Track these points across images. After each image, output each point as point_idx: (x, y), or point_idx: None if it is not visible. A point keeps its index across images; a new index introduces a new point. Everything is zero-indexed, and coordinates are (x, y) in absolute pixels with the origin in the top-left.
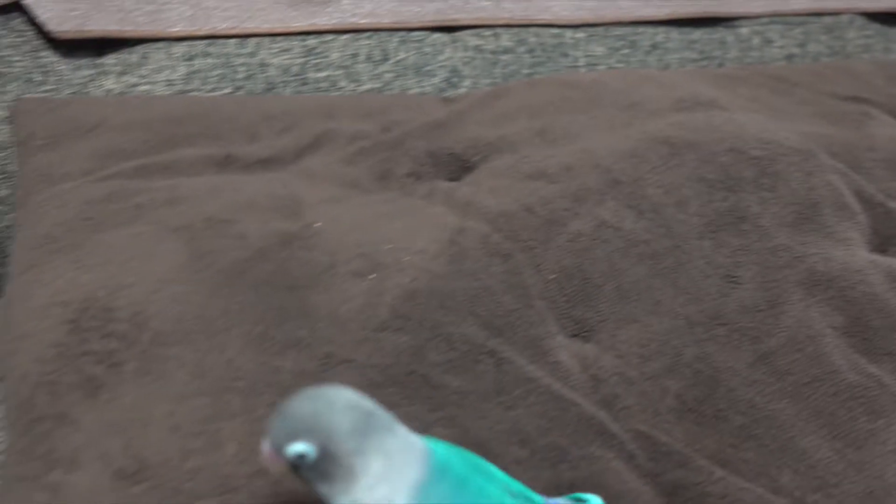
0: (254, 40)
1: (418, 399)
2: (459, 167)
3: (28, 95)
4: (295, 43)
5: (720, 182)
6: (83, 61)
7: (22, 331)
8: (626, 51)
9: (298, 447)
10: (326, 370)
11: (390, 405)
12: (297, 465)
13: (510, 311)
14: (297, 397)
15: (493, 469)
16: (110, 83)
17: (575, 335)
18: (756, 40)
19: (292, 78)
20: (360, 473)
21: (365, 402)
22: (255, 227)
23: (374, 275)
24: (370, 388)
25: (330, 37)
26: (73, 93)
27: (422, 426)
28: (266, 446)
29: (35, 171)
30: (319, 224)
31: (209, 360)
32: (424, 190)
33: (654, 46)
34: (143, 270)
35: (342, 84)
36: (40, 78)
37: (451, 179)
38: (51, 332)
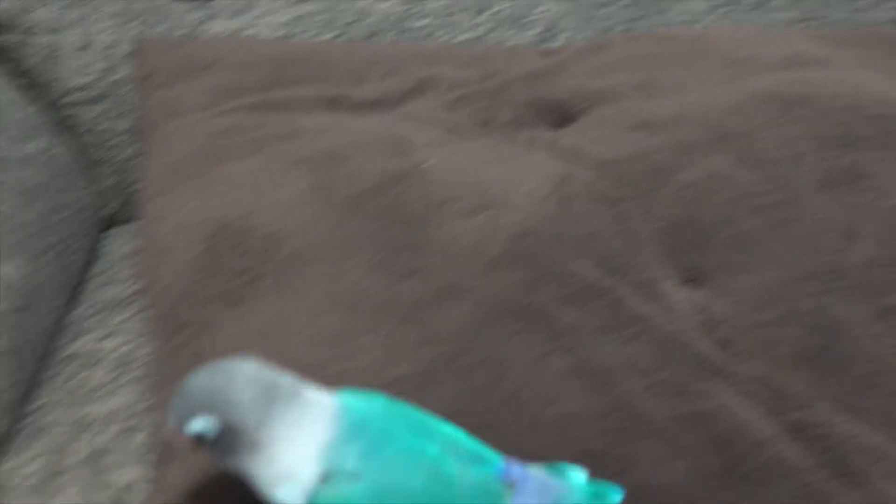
0: None
1: (534, 330)
2: (560, 117)
3: (148, 35)
4: None
5: (836, 139)
6: (196, 3)
7: (161, 246)
8: (725, 8)
9: (198, 423)
10: (442, 301)
11: (506, 336)
12: (200, 441)
13: (620, 255)
14: (197, 373)
15: (440, 426)
16: (218, 26)
17: (687, 281)
18: (864, 1)
19: (392, 25)
20: (265, 445)
21: (267, 374)
22: (368, 164)
23: (486, 212)
24: (485, 319)
25: None
26: (185, 34)
27: (540, 354)
28: (169, 424)
29: (158, 105)
30: (428, 164)
31: (337, 282)
32: (525, 137)
33: (758, 5)
34: (272, 197)
35: (439, 34)
36: (155, 19)
37: (553, 128)
38: (188, 249)
